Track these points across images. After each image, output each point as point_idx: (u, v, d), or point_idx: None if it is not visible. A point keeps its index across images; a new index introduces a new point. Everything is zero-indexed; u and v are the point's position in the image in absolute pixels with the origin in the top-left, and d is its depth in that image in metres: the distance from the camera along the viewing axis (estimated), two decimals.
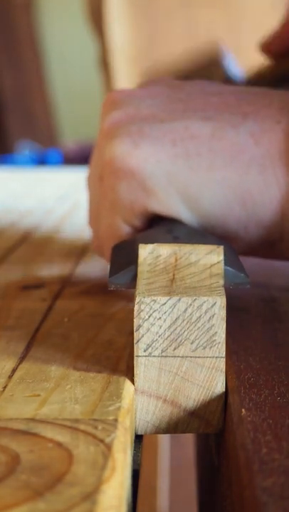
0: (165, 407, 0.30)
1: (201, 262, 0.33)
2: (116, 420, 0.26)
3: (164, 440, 0.95)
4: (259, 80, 0.53)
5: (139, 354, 0.29)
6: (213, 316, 0.29)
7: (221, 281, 0.31)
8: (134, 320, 0.29)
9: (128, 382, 0.30)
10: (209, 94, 0.41)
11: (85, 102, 3.05)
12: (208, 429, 0.30)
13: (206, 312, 0.29)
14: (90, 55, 1.76)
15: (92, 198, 0.44)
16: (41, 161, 2.47)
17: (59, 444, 0.25)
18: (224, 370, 0.30)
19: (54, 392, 0.29)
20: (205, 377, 0.30)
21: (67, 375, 0.31)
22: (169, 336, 0.29)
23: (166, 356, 0.29)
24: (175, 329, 0.29)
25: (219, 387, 0.30)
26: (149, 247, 0.34)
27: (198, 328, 0.29)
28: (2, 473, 0.23)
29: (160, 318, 0.29)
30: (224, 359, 0.30)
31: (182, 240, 0.36)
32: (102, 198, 0.41)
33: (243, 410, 0.28)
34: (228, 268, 0.33)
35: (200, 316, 0.29)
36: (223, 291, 0.30)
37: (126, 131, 0.40)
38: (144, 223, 0.41)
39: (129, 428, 0.27)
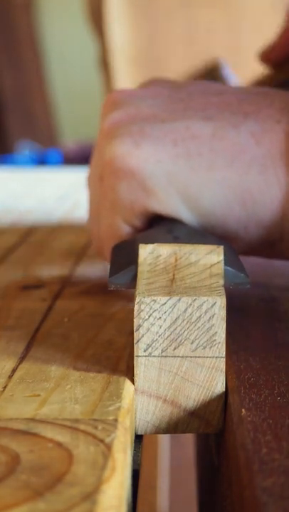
0: (165, 407, 0.30)
1: (201, 262, 0.33)
2: (116, 420, 0.26)
3: (164, 440, 0.94)
4: None
5: (139, 354, 0.29)
6: (213, 316, 0.29)
7: (221, 281, 0.31)
8: (134, 320, 0.29)
9: (128, 382, 0.30)
10: (210, 94, 0.41)
11: (85, 102, 3.05)
12: (208, 429, 0.30)
13: (206, 312, 0.29)
14: (90, 55, 1.76)
15: (93, 198, 0.44)
16: (41, 161, 2.47)
17: (59, 444, 0.25)
18: (224, 370, 0.30)
19: (54, 392, 0.29)
20: (205, 377, 0.30)
21: (67, 375, 0.31)
22: (169, 336, 0.29)
23: (166, 356, 0.29)
24: (175, 329, 0.29)
25: (219, 387, 0.30)
26: (149, 247, 0.34)
27: (198, 328, 0.29)
28: (2, 473, 0.23)
29: (160, 318, 0.29)
30: (224, 359, 0.30)
31: (182, 240, 0.36)
32: (102, 198, 0.41)
33: (243, 410, 0.28)
34: (228, 268, 0.33)
35: (200, 316, 0.29)
36: (223, 291, 0.30)
37: (127, 131, 0.40)
38: (144, 223, 0.41)
39: (129, 428, 0.27)
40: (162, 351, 0.29)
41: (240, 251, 0.40)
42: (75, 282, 0.46)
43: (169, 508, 0.88)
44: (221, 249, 0.34)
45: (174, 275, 0.32)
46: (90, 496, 0.21)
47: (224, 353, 0.29)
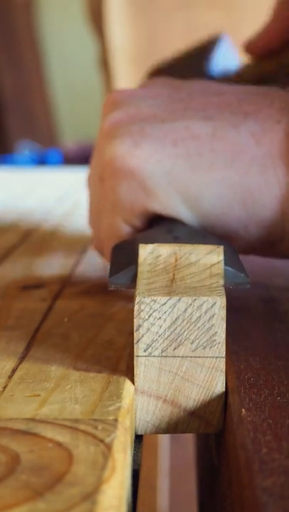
0: (165, 407, 0.30)
1: (201, 262, 0.33)
2: (116, 420, 0.26)
3: (164, 440, 0.94)
4: (238, 80, 0.52)
5: (139, 354, 0.29)
6: (213, 316, 0.29)
7: (221, 281, 0.31)
8: (134, 320, 0.29)
9: (128, 382, 0.30)
10: (210, 94, 0.41)
11: (85, 102, 3.05)
12: (208, 429, 0.30)
13: (206, 312, 0.29)
14: (90, 55, 1.76)
15: (93, 198, 0.44)
16: (41, 161, 2.47)
17: (59, 444, 0.25)
18: (224, 370, 0.30)
19: (54, 392, 0.29)
20: (205, 377, 0.30)
21: (67, 375, 0.31)
22: (169, 336, 0.29)
23: (166, 356, 0.29)
24: (175, 329, 0.29)
25: (219, 387, 0.30)
26: (149, 247, 0.34)
27: (198, 328, 0.29)
28: (2, 473, 0.23)
29: (160, 318, 0.29)
30: (224, 359, 0.30)
31: (182, 240, 0.36)
32: (102, 198, 0.41)
33: (243, 410, 0.28)
34: (228, 268, 0.33)
35: (200, 316, 0.29)
36: (223, 291, 0.30)
37: (127, 131, 0.40)
38: (144, 223, 0.41)
39: (129, 428, 0.27)
40: (162, 351, 0.29)
41: (241, 250, 0.40)
42: (75, 282, 0.46)
43: (169, 508, 0.88)
44: (221, 249, 0.34)
45: (174, 275, 0.32)
46: (90, 496, 0.21)
47: (224, 353, 0.29)
